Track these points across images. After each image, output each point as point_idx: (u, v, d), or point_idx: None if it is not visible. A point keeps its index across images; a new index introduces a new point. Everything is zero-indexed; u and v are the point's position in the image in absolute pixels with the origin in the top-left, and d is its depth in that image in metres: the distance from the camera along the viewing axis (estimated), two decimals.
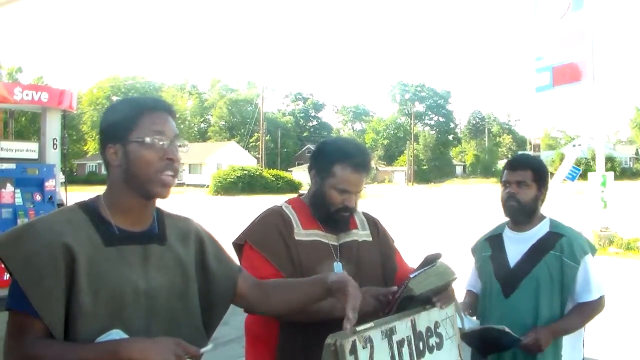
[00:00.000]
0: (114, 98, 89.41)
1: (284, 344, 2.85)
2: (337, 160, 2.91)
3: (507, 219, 3.65)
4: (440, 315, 2.66)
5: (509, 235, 3.61)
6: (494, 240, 3.67)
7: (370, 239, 3.11)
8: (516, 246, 3.53)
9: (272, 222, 2.96)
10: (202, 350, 1.95)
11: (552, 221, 3.56)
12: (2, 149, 10.95)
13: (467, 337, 3.25)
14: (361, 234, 3.09)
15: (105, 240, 2.02)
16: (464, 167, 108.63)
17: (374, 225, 3.20)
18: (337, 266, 2.90)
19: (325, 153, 3.00)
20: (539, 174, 3.50)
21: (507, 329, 3.16)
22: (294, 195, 3.27)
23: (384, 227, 3.25)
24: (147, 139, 2.04)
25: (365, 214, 3.23)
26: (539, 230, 3.51)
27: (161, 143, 2.06)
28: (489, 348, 3.40)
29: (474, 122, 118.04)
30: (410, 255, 3.33)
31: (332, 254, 2.93)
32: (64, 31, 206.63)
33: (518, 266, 3.48)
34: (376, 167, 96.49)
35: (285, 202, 3.12)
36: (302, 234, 2.94)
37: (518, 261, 3.49)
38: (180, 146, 2.14)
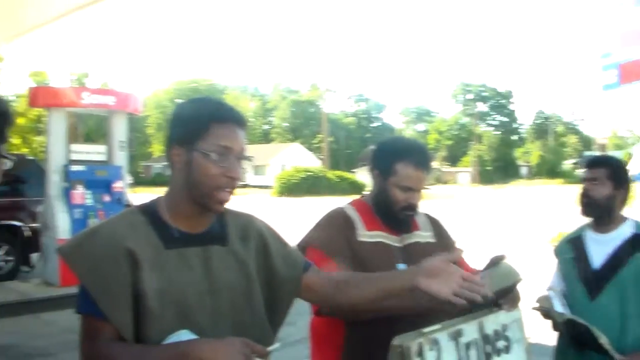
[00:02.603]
0: (178, 101, 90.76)
1: (350, 346, 2.84)
2: (398, 158, 2.91)
3: (587, 220, 3.54)
4: (508, 318, 2.62)
5: (591, 237, 3.50)
6: (576, 242, 3.57)
7: (434, 240, 3.08)
8: (599, 248, 3.42)
9: (335, 223, 2.96)
10: (270, 349, 1.96)
11: (638, 223, 3.44)
12: (72, 151, 11.25)
13: (561, 323, 3.20)
14: (424, 235, 3.07)
15: (166, 244, 2.04)
16: (529, 167, 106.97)
17: (436, 226, 3.18)
18: (401, 267, 2.87)
19: (387, 152, 3.00)
20: (615, 173, 3.39)
21: (591, 327, 3.05)
22: (358, 197, 3.26)
23: (445, 228, 3.23)
24: (213, 155, 2.01)
25: (427, 215, 3.20)
26: (623, 231, 3.40)
27: (226, 160, 2.03)
28: (580, 340, 3.30)
29: (538, 121, 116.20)
30: (475, 257, 3.30)
31: (395, 256, 2.92)
32: (129, 37, 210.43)
33: (603, 268, 3.37)
34: (440, 168, 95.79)
35: (348, 203, 3.12)
36: (366, 235, 2.93)
37: (603, 263, 3.38)
38: (245, 159, 2.10)
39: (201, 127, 2.03)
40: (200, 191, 2.04)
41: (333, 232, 2.93)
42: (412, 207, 2.93)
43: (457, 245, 3.14)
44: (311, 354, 3.09)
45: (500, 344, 2.54)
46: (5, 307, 9.48)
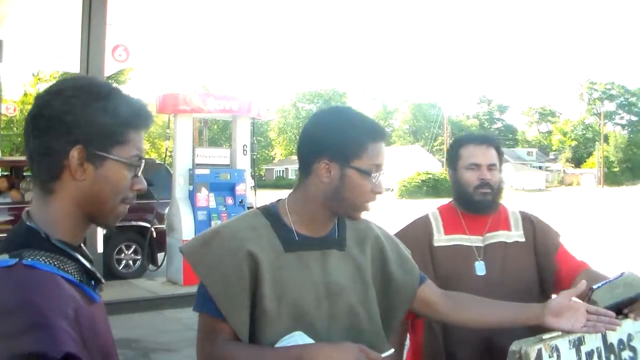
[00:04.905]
0: (299, 105, 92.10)
1: (429, 346, 2.92)
2: (460, 145, 3.05)
3: None
4: (635, 327, 2.47)
5: None
6: None
7: (523, 239, 3.02)
8: None
9: (411, 234, 3.00)
10: (384, 355, 1.94)
11: None
12: (197, 155, 11.58)
13: None
14: (512, 235, 3.03)
15: (286, 246, 2.07)
16: None
17: (529, 223, 3.10)
18: (479, 265, 2.91)
19: (451, 147, 3.15)
20: None
21: None
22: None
23: (544, 223, 3.13)
24: (373, 174, 2.06)
25: (521, 212, 3.16)
26: None
27: (378, 178, 2.07)
28: None
29: None
30: (600, 260, 3.18)
31: (474, 254, 2.94)
32: (254, 47, 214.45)
33: None
34: (564, 170, 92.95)
35: (437, 208, 3.18)
36: (443, 239, 3.00)
37: None
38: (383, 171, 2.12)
39: (361, 147, 2.05)
40: (347, 203, 2.08)
41: (405, 244, 2.98)
42: (486, 184, 2.95)
43: (561, 240, 3.08)
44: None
45: (626, 354, 2.41)
46: (133, 303, 9.89)
